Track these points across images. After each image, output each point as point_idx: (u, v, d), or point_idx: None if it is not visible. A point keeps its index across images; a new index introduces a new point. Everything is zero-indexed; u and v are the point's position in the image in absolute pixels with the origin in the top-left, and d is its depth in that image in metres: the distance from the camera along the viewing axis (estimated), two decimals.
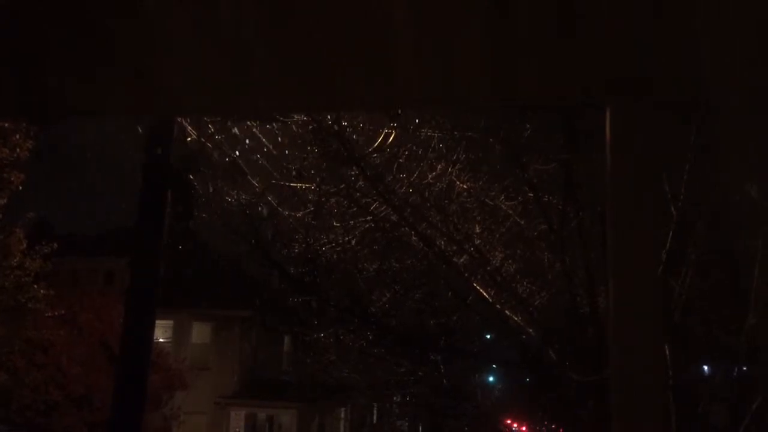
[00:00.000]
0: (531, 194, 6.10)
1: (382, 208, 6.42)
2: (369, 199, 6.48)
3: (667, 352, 5.23)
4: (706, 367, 7.15)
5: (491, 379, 10.52)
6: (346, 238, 6.72)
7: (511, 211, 6.27)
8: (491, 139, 6.08)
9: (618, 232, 1.16)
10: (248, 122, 6.47)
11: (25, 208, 10.77)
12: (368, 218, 6.55)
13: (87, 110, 1.48)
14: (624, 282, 1.15)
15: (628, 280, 1.14)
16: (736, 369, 6.10)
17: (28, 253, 10.56)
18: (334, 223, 6.77)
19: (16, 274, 10.36)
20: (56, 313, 11.62)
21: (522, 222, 6.33)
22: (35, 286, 10.59)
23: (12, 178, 10.05)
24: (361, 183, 6.41)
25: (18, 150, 9.99)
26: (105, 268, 17.48)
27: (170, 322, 17.66)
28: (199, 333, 19.00)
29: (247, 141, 6.71)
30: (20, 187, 10.20)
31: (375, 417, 19.44)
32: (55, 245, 10.89)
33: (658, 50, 1.16)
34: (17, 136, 9.91)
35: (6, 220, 10.34)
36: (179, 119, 6.16)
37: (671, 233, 5.31)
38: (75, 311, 12.96)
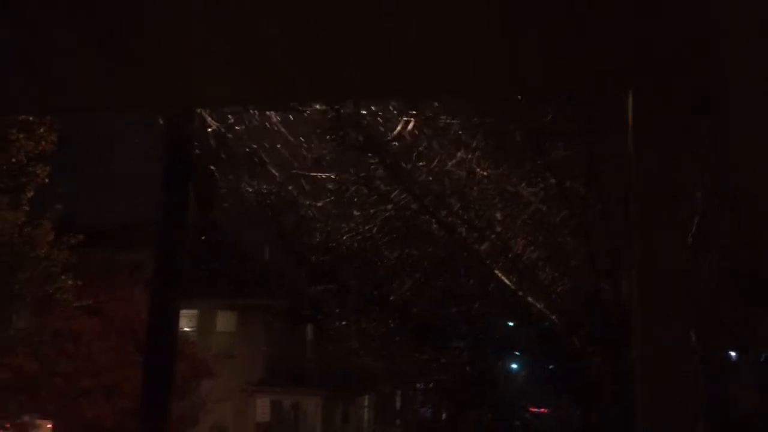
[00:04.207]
0: (553, 180, 6.05)
1: (402, 197, 6.42)
2: (389, 188, 6.48)
3: (693, 338, 5.17)
4: (732, 353, 7.06)
5: (514, 366, 10.51)
6: (367, 227, 6.73)
7: (532, 198, 6.22)
8: (511, 126, 6.03)
9: (641, 216, 1.14)
10: (267, 113, 6.49)
11: (50, 200, 10.94)
12: (388, 206, 6.55)
13: (102, 106, 1.49)
14: (648, 267, 1.13)
15: (653, 265, 1.13)
16: (763, 355, 6.02)
17: (55, 245, 10.73)
18: (354, 212, 6.78)
19: (44, 265, 10.53)
20: (84, 304, 11.81)
21: (544, 208, 6.28)
22: (62, 276, 10.77)
23: (38, 171, 10.20)
24: (380, 171, 6.41)
25: (43, 143, 10.13)
26: (130, 260, 17.72)
27: (195, 312, 17.87)
28: (224, 322, 19.21)
29: (267, 131, 6.73)
30: (46, 180, 10.36)
31: (399, 404, 19.54)
32: (81, 236, 11.05)
33: (680, 35, 1.13)
34: (42, 129, 10.05)
35: (33, 213, 10.51)
36: (199, 110, 6.19)
37: (697, 218, 5.24)
38: (102, 302, 13.17)
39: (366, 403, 20.55)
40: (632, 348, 1.18)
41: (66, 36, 1.26)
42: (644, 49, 1.15)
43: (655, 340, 1.11)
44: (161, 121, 6.39)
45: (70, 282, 10.88)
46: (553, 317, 6.32)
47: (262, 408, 18.49)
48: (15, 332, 10.87)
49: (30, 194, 10.34)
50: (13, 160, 9.92)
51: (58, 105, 1.62)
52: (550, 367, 7.99)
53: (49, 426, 10.99)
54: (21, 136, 9.86)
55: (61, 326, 12.46)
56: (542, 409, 10.11)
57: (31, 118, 9.49)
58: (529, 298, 6.32)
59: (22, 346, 11.62)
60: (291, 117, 6.49)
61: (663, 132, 1.14)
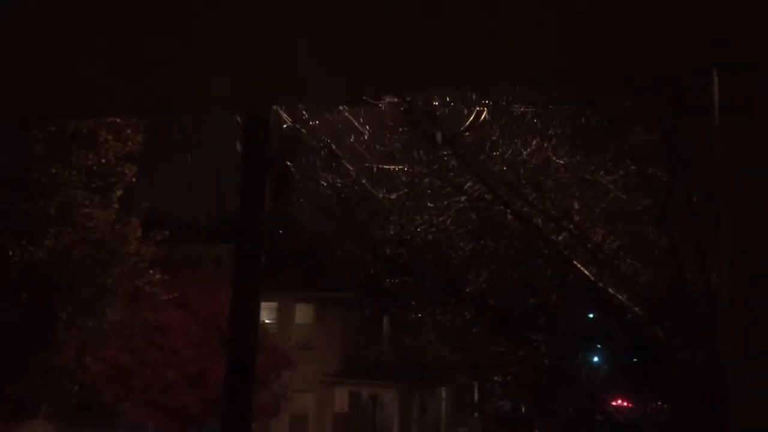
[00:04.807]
0: (633, 167, 5.84)
1: (476, 187, 6.36)
2: (462, 179, 6.43)
3: None
4: None
5: (596, 359, 10.25)
6: (440, 219, 6.71)
7: (611, 186, 6.04)
8: (588, 111, 5.86)
9: (731, 203, 1.09)
10: (341, 108, 6.57)
11: (137, 197, 11.44)
12: (462, 198, 6.51)
13: (182, 106, 1.54)
14: (739, 257, 1.08)
15: (744, 255, 1.07)
16: None
17: (143, 241, 11.24)
18: (428, 204, 6.78)
19: (134, 260, 11.05)
20: (170, 297, 12.32)
21: (624, 196, 6.08)
22: (151, 271, 11.27)
23: (126, 171, 10.71)
24: (453, 162, 6.37)
25: (130, 143, 10.64)
26: (213, 254, 18.35)
27: (275, 304, 18.35)
28: (302, 314, 19.64)
29: (341, 126, 6.82)
30: (134, 179, 10.86)
31: (476, 396, 19.44)
32: (167, 233, 11.54)
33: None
34: (129, 131, 10.55)
35: (122, 211, 11.04)
36: (274, 107, 6.34)
37: None
38: (187, 295, 13.70)
39: (443, 395, 20.55)
40: (721, 341, 1.13)
41: (151, 38, 1.31)
42: (732, 25, 1.09)
43: (745, 333, 1.05)
44: (239, 119, 6.58)
45: (157, 276, 11.38)
46: (636, 309, 6.11)
47: (340, 399, 18.82)
48: (108, 325, 11.47)
49: (119, 193, 10.86)
50: (103, 160, 10.45)
51: (142, 106, 1.69)
52: (634, 359, 7.74)
53: None
54: (110, 137, 10.39)
55: (151, 318, 13.07)
56: (625, 403, 9.83)
57: (118, 120, 9.96)
58: (610, 289, 6.14)
59: (115, 340, 12.25)
60: (363, 110, 6.53)
61: (750, 113, 1.08)
